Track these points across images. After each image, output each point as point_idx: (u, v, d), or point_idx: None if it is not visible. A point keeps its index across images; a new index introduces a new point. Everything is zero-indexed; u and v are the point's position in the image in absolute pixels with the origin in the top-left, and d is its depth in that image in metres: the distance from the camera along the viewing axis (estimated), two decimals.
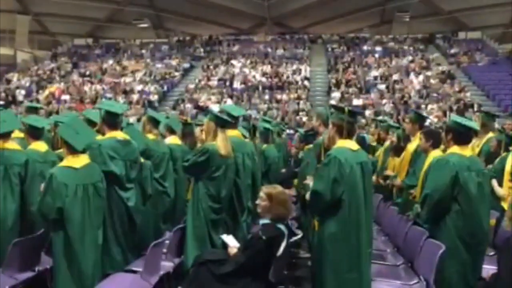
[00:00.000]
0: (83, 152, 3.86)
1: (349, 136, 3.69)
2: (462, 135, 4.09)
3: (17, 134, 5.24)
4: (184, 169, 4.66)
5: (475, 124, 4.44)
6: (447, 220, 3.92)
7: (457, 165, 3.91)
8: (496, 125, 7.79)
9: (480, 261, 4.06)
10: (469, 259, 3.93)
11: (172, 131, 5.91)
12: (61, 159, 4.04)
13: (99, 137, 4.31)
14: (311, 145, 5.99)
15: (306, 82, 22.55)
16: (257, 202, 3.66)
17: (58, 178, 3.59)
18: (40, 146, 4.76)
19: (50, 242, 3.82)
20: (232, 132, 4.76)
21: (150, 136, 5.34)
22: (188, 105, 20.06)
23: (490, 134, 6.15)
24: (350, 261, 3.51)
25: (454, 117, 4.30)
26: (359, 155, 3.66)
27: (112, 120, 4.34)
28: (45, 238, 4.02)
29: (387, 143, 6.73)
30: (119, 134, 4.37)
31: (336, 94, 20.65)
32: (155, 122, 5.49)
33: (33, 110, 6.95)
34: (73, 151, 3.77)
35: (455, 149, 4.05)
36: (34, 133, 4.79)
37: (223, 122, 4.51)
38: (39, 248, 4.04)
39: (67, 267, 3.67)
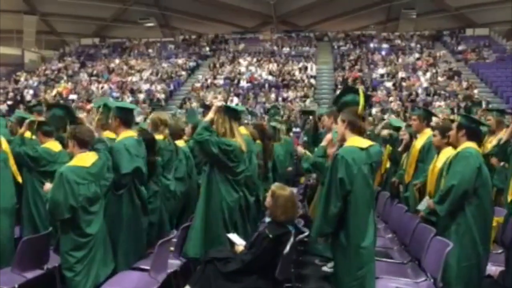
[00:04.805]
0: (92, 149, 3.89)
1: (360, 133, 3.60)
2: (475, 132, 4.10)
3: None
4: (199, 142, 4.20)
5: (485, 121, 4.43)
6: (467, 213, 3.88)
7: (480, 158, 3.93)
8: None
9: (487, 257, 4.04)
10: (482, 254, 3.93)
11: None
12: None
13: (112, 135, 4.36)
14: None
15: (312, 80, 22.50)
16: (267, 195, 3.67)
17: (69, 177, 3.60)
18: (54, 145, 4.78)
19: (59, 240, 3.85)
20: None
21: (160, 137, 5.34)
22: (195, 104, 20.09)
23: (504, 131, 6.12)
24: (367, 256, 3.52)
25: (464, 114, 4.27)
26: (369, 154, 3.53)
27: (127, 117, 4.40)
28: (54, 236, 4.05)
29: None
30: (133, 133, 4.41)
31: None
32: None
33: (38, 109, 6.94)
34: (83, 147, 3.79)
35: (469, 144, 4.02)
36: (46, 131, 4.86)
37: (235, 112, 4.42)
38: (47, 246, 4.07)
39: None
